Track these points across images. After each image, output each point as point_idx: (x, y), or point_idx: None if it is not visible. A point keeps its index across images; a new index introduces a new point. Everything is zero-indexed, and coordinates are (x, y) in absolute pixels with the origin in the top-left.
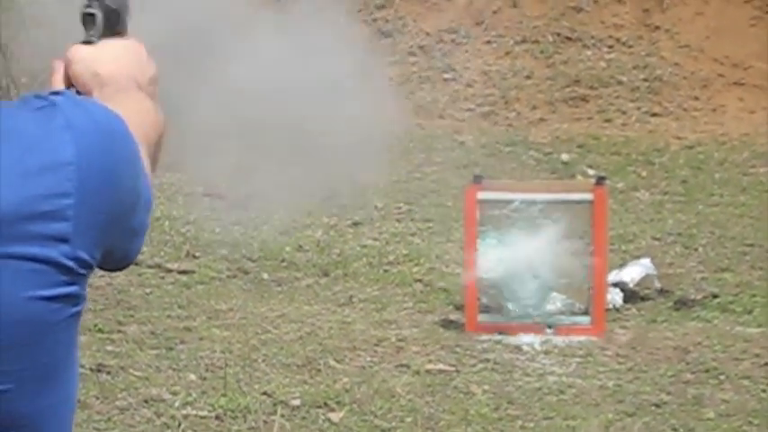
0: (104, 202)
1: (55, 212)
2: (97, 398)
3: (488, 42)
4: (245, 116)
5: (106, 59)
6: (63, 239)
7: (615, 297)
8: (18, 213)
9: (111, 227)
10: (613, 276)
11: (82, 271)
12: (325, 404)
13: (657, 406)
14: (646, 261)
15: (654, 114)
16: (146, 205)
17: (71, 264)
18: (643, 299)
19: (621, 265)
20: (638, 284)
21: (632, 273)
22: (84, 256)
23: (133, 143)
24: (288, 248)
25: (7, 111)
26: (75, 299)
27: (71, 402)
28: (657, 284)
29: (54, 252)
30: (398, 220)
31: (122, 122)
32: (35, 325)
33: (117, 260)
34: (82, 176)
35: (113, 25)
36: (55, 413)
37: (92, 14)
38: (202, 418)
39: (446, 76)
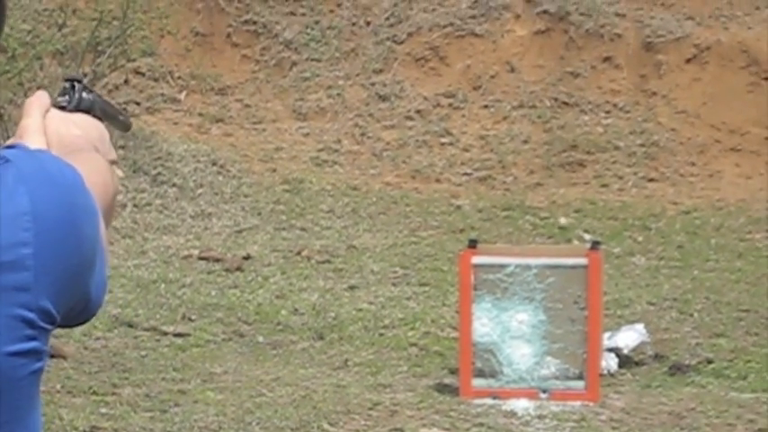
0: (64, 251)
1: (14, 262)
2: None
3: (486, 107)
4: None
5: (71, 125)
6: (23, 289)
7: (610, 362)
8: None
9: (72, 277)
10: (607, 341)
11: (44, 324)
12: None
13: None
14: (639, 327)
15: (650, 180)
16: (102, 257)
17: (32, 316)
18: (638, 364)
19: (615, 330)
20: (632, 350)
21: (627, 339)
22: (47, 306)
23: (89, 195)
24: (283, 312)
25: None
26: (37, 354)
27: None
28: (651, 351)
29: (15, 304)
30: (394, 284)
31: (77, 174)
32: None
33: (77, 314)
34: (39, 226)
35: (85, 111)
36: None
37: (72, 86)
38: None
39: (443, 140)
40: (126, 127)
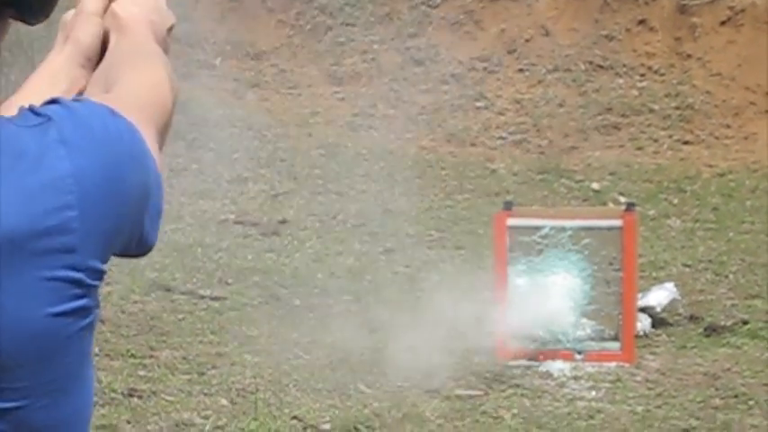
0: (110, 209)
1: (59, 226)
2: (129, 422)
3: (520, 71)
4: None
5: (128, 3)
6: (70, 251)
7: (644, 323)
8: (25, 232)
9: (120, 229)
10: (639, 302)
11: (92, 282)
12: (356, 428)
13: (686, 431)
14: (669, 285)
15: (685, 142)
16: (158, 188)
17: (80, 275)
18: (672, 325)
19: (646, 291)
20: (665, 309)
21: (658, 297)
22: (95, 264)
23: (137, 138)
24: (320, 275)
25: (7, 130)
26: (86, 311)
27: (87, 410)
28: (686, 312)
29: (62, 266)
30: (430, 248)
31: (122, 121)
32: (47, 341)
33: (136, 247)
34: (82, 187)
35: None
36: (70, 424)
37: None
38: None
39: (478, 104)
40: None
